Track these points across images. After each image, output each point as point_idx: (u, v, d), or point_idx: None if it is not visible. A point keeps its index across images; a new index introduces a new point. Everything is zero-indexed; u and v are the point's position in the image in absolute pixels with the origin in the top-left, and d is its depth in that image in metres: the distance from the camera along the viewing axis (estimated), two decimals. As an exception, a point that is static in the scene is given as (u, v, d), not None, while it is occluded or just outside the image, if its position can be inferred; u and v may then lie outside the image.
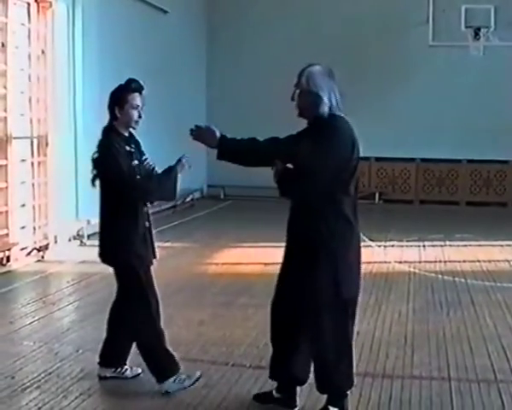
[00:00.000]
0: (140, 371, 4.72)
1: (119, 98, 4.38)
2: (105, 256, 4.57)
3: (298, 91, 3.89)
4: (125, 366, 4.74)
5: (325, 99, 3.81)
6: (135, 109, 4.39)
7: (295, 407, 4.22)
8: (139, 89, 4.43)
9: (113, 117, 4.41)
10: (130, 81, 4.42)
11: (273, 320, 4.13)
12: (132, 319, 4.52)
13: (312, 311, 3.89)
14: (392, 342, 5.55)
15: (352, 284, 3.97)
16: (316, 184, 3.77)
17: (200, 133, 4.06)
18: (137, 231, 4.41)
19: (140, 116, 4.43)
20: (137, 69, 12.08)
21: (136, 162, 4.43)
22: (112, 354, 4.72)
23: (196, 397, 4.43)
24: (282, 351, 4.09)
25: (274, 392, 4.24)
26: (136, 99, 4.40)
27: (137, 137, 4.60)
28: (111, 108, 4.41)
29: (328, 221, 3.82)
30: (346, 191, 3.86)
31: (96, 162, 4.40)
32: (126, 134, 4.47)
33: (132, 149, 4.46)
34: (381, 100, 14.35)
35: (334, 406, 4.03)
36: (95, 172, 4.43)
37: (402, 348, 5.43)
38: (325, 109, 3.81)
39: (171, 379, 4.50)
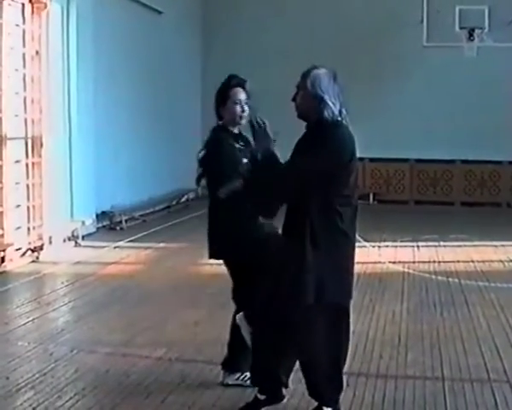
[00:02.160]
0: None
1: (221, 96, 4.35)
2: (213, 254, 4.48)
3: (301, 93, 3.80)
4: (247, 373, 4.53)
5: (330, 104, 3.73)
6: (237, 104, 4.32)
7: (284, 397, 4.17)
8: (240, 83, 4.37)
9: (218, 117, 4.38)
10: (230, 77, 4.39)
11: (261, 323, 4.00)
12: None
13: (300, 314, 3.80)
14: (386, 342, 5.57)
15: (339, 288, 3.85)
16: (311, 188, 3.68)
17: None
18: (243, 228, 4.28)
19: (243, 110, 4.32)
20: (132, 70, 12.18)
21: (245, 161, 4.27)
22: (234, 360, 4.61)
23: (191, 397, 4.44)
24: (269, 355, 3.98)
25: (258, 395, 4.12)
26: (238, 94, 4.33)
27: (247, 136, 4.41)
28: (216, 108, 4.38)
29: (319, 223, 3.72)
30: (341, 197, 3.78)
31: (203, 160, 4.33)
32: (235, 131, 4.39)
33: (242, 147, 4.36)
34: (375, 100, 14.36)
35: (328, 406, 4.04)
36: (200, 170, 4.37)
37: (396, 347, 5.45)
38: (330, 114, 3.73)
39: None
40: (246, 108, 4.34)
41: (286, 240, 3.91)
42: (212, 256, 4.51)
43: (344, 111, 3.80)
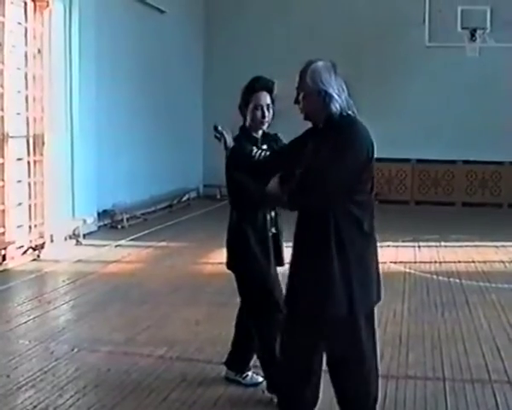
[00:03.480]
0: (260, 379, 4.56)
1: (244, 99, 4.20)
2: (227, 262, 4.48)
3: (303, 94, 3.48)
4: (248, 372, 4.63)
5: (336, 96, 3.41)
6: (257, 109, 4.14)
7: None
8: (265, 86, 4.17)
9: (243, 117, 4.25)
10: (254, 80, 4.21)
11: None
12: (254, 328, 4.38)
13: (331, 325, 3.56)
14: (387, 342, 5.54)
15: (370, 296, 3.65)
16: (332, 191, 3.42)
17: None
18: (256, 238, 4.25)
19: (264, 116, 4.15)
20: (134, 69, 12.18)
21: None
22: (235, 360, 4.66)
23: (192, 395, 4.44)
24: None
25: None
26: (260, 98, 4.14)
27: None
28: (240, 109, 4.24)
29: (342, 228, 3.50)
30: (362, 194, 3.62)
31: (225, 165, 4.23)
32: (257, 135, 4.24)
33: (264, 150, 4.14)
34: (378, 100, 14.34)
35: None
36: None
37: (397, 348, 5.44)
38: (337, 107, 3.41)
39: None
40: (267, 113, 4.16)
41: (305, 250, 3.56)
42: (227, 266, 4.49)
43: (351, 101, 3.52)
